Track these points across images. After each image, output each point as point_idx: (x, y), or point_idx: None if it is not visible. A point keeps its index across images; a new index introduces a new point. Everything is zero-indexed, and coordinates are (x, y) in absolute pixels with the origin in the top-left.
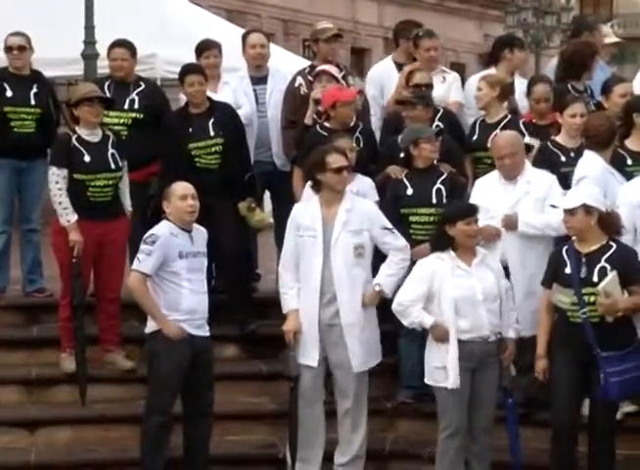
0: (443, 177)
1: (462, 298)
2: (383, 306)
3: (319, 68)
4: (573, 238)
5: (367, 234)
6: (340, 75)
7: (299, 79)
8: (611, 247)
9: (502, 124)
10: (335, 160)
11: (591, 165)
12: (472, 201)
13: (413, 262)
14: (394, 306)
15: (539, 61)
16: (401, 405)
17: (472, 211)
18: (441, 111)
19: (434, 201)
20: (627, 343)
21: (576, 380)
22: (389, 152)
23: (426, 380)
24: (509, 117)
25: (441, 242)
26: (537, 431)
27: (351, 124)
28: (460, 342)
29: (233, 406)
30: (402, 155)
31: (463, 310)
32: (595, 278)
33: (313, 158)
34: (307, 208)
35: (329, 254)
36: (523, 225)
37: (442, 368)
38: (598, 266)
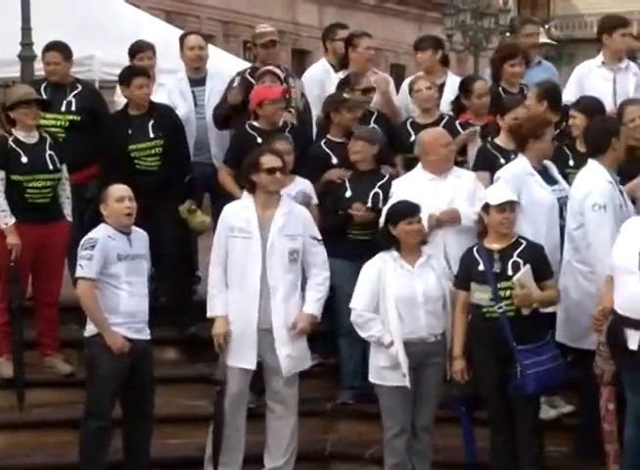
0: (383, 181)
1: (402, 298)
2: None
3: (263, 68)
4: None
5: (301, 240)
6: (282, 76)
7: (238, 80)
8: (521, 243)
9: (441, 125)
10: (268, 160)
11: (510, 166)
12: (395, 198)
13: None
14: (354, 318)
15: (478, 62)
16: (342, 406)
17: (414, 211)
18: (376, 113)
19: (370, 204)
20: (542, 336)
21: (498, 375)
22: (323, 156)
23: (371, 379)
24: (445, 117)
25: (385, 242)
26: (477, 429)
27: (280, 124)
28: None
29: (173, 410)
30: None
31: (402, 311)
32: (509, 272)
33: (248, 158)
34: (241, 209)
35: (269, 257)
36: (464, 218)
37: (390, 368)
38: (511, 261)
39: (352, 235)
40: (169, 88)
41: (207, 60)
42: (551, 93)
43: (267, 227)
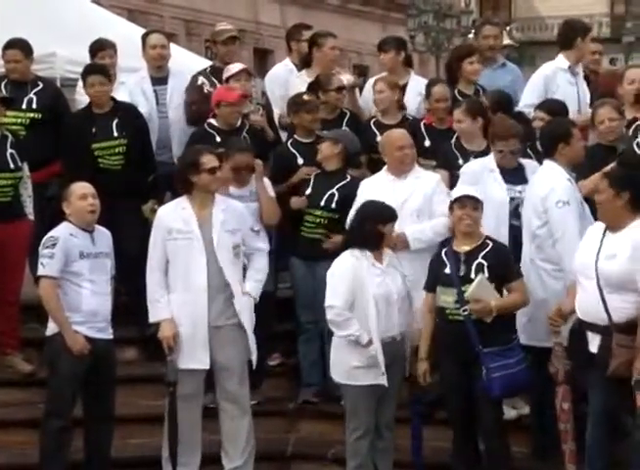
0: (343, 183)
1: (380, 296)
2: (283, 307)
3: (238, 67)
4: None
5: (240, 234)
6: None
7: (202, 78)
8: (487, 245)
9: (406, 127)
10: (209, 160)
11: (472, 162)
12: (360, 198)
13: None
14: (332, 317)
15: (440, 63)
16: (304, 406)
17: (389, 217)
18: (348, 114)
19: (322, 204)
20: (508, 339)
21: (463, 378)
22: (289, 156)
23: (339, 379)
24: (410, 118)
25: (356, 238)
26: (440, 430)
27: (238, 124)
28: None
29: (134, 409)
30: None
31: (380, 309)
32: (473, 275)
33: (186, 158)
34: (176, 210)
35: (212, 254)
36: (414, 242)
37: (364, 367)
38: (475, 263)
39: (305, 233)
40: (131, 87)
41: (170, 59)
42: (503, 101)
43: (207, 225)
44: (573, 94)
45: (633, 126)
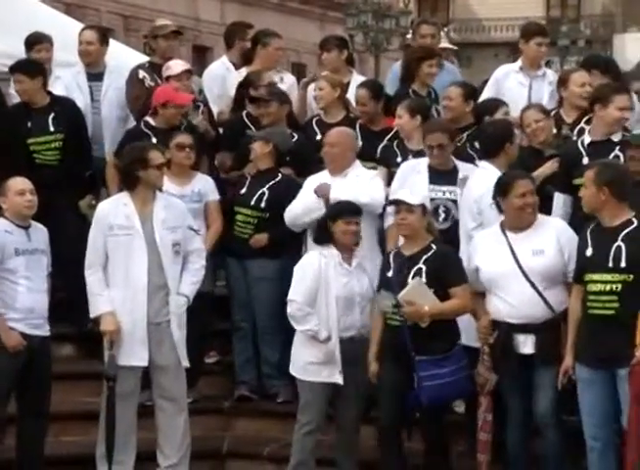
0: (274, 182)
1: (342, 296)
2: (221, 305)
3: (181, 68)
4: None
5: (180, 231)
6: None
7: (142, 73)
8: (431, 248)
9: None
10: (157, 156)
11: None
12: (305, 198)
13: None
14: (292, 311)
15: (379, 63)
16: (241, 404)
17: (354, 212)
18: None
19: (252, 203)
20: (447, 347)
21: (398, 383)
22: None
23: (294, 373)
24: (352, 117)
25: (322, 236)
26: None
27: (177, 125)
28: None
29: (69, 406)
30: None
31: (341, 309)
32: (410, 280)
33: (133, 154)
34: (117, 206)
35: (154, 251)
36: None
37: (319, 364)
38: (415, 268)
39: (237, 232)
40: (67, 82)
41: (103, 55)
42: (474, 92)
43: (149, 222)
44: (524, 95)
45: (577, 128)
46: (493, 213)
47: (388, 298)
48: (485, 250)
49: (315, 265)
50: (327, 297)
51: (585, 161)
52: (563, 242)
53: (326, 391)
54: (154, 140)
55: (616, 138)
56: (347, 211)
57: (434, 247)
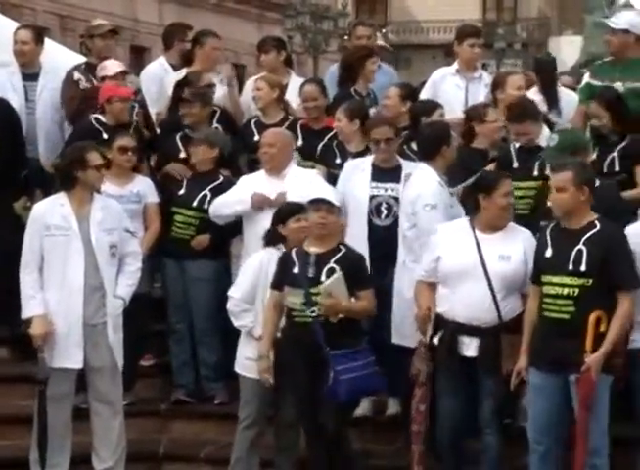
0: (216, 183)
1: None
2: (157, 307)
3: (116, 69)
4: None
5: (117, 233)
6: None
7: (77, 74)
8: (340, 250)
9: (284, 127)
10: (95, 157)
11: (349, 162)
12: (236, 194)
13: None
14: (230, 307)
15: (317, 64)
16: (177, 406)
17: (300, 209)
18: (219, 111)
19: (195, 204)
20: (356, 342)
21: (308, 382)
22: (169, 150)
23: (236, 369)
24: (290, 118)
25: (274, 239)
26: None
27: (126, 121)
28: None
29: (4, 410)
30: (183, 154)
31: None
32: (323, 278)
33: (71, 154)
34: (54, 206)
35: (90, 253)
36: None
37: (254, 360)
38: (327, 267)
39: (176, 233)
40: (1, 82)
41: (39, 55)
42: (413, 93)
43: (86, 223)
44: (460, 97)
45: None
46: (427, 215)
47: (296, 294)
48: (451, 242)
49: (256, 262)
50: (264, 294)
51: (515, 165)
52: (529, 253)
53: (264, 388)
54: (104, 136)
55: (543, 143)
56: (296, 209)
57: (343, 248)
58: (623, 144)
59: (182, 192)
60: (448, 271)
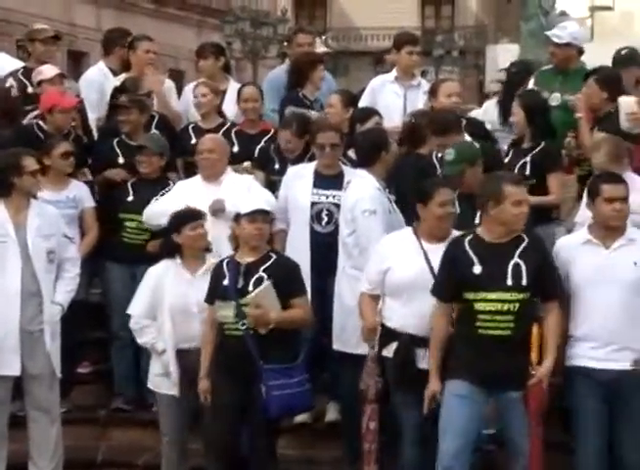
0: (167, 189)
1: (176, 307)
2: (95, 313)
3: (52, 72)
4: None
5: (55, 239)
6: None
7: (11, 81)
8: (270, 257)
9: (221, 132)
10: (31, 163)
11: (290, 169)
12: (172, 201)
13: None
14: (131, 324)
15: (257, 70)
16: (115, 413)
17: (196, 216)
18: (157, 116)
19: None
20: (290, 358)
21: (236, 397)
22: (107, 156)
23: (149, 385)
24: (227, 124)
25: (169, 249)
26: None
27: (66, 131)
28: (178, 351)
29: None
30: (122, 160)
31: (177, 319)
32: (251, 288)
33: (6, 160)
34: None
35: (27, 259)
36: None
37: (163, 375)
38: (255, 276)
39: (126, 239)
40: None
41: None
42: (354, 100)
43: (23, 229)
44: (399, 105)
45: None
46: (366, 221)
47: (226, 307)
48: (399, 254)
49: (153, 276)
50: (162, 307)
51: (438, 171)
52: None
53: (172, 402)
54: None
55: None
56: (191, 216)
57: (273, 256)
58: (537, 150)
59: (131, 198)
60: (398, 283)
